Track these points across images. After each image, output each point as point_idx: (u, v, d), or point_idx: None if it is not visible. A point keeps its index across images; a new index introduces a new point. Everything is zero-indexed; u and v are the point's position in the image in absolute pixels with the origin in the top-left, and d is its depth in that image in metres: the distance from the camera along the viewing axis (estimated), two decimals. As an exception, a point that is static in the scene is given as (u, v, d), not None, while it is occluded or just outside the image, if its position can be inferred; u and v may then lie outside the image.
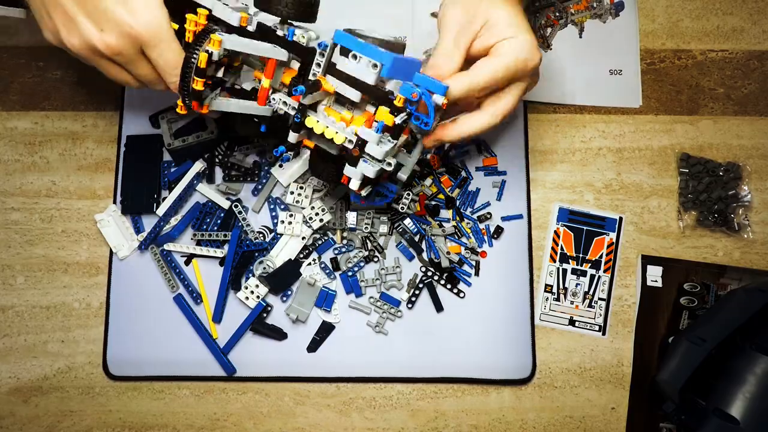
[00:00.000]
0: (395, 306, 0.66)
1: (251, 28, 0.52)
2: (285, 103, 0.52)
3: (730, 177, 0.69)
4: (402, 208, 0.67)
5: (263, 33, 0.52)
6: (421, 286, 0.66)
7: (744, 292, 0.63)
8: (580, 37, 0.73)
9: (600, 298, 0.67)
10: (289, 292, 0.67)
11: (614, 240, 0.69)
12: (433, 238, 0.67)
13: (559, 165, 0.71)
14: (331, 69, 0.51)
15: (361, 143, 0.49)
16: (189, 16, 0.48)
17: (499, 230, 0.68)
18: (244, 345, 0.66)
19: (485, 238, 0.68)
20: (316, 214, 0.67)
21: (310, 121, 0.51)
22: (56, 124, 0.73)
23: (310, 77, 0.52)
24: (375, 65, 0.48)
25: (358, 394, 0.66)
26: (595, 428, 0.65)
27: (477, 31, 0.53)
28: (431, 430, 0.65)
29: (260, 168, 0.69)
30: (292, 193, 0.68)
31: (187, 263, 0.68)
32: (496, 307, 0.66)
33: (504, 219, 0.68)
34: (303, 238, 0.67)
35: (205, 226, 0.68)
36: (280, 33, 0.52)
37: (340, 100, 0.53)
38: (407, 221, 0.68)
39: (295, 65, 0.54)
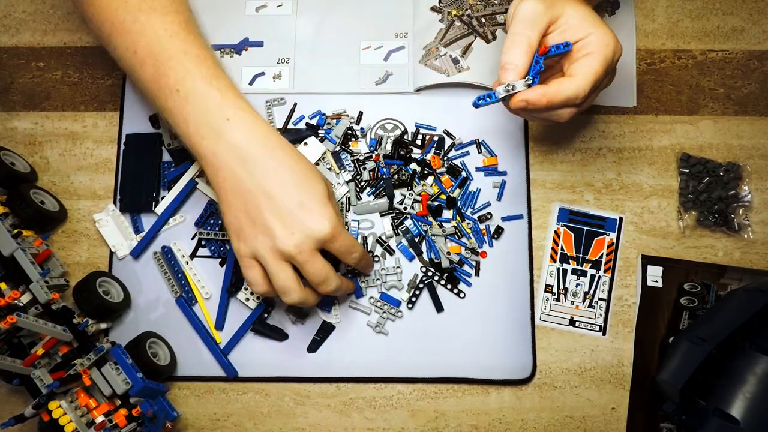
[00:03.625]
0: (395, 306, 0.66)
1: (55, 307, 0.60)
2: (41, 379, 0.58)
3: (730, 177, 0.69)
4: (405, 208, 0.68)
5: (61, 314, 0.60)
6: (421, 286, 0.66)
7: (744, 292, 0.63)
8: None
9: (600, 298, 0.67)
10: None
11: (614, 240, 0.69)
12: (433, 238, 0.67)
13: (559, 165, 0.71)
14: (99, 362, 0.59)
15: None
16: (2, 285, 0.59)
17: (499, 230, 0.68)
18: (244, 345, 0.66)
19: (485, 238, 0.68)
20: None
21: (57, 410, 0.57)
22: (56, 124, 0.73)
23: (76, 368, 0.58)
24: (128, 383, 0.58)
25: (358, 394, 0.66)
26: (595, 428, 0.65)
27: (553, 20, 0.54)
28: (431, 430, 0.65)
29: None
30: None
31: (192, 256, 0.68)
32: (496, 308, 0.66)
33: (504, 219, 0.68)
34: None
35: (208, 226, 0.68)
36: (75, 321, 0.60)
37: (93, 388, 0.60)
38: (408, 222, 0.68)
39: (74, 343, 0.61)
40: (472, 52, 0.71)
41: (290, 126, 0.71)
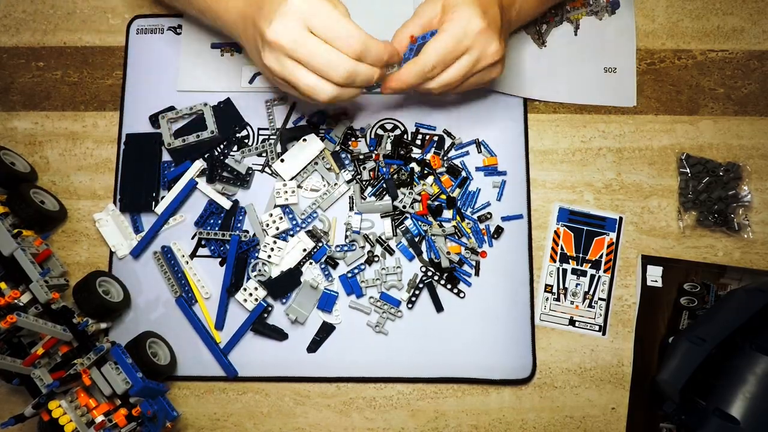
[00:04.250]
0: (395, 306, 0.66)
1: (55, 306, 0.60)
2: (41, 379, 0.58)
3: (730, 177, 0.69)
4: (404, 207, 0.68)
5: (61, 314, 0.60)
6: (421, 286, 0.66)
7: (744, 292, 0.63)
8: (575, 34, 0.73)
9: (600, 298, 0.67)
10: (290, 294, 0.67)
11: (614, 240, 0.69)
12: (433, 238, 0.67)
13: (559, 165, 0.71)
14: (99, 362, 0.59)
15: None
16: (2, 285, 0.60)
17: (499, 230, 0.68)
18: (244, 345, 0.66)
19: (485, 238, 0.68)
20: (285, 192, 0.67)
21: (57, 410, 0.57)
22: (56, 124, 0.73)
23: (76, 368, 0.58)
24: (127, 382, 0.58)
25: (358, 394, 0.66)
26: (595, 428, 0.65)
27: (434, 14, 0.58)
28: (431, 430, 0.65)
29: (251, 175, 0.69)
30: (278, 194, 0.68)
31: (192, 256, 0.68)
32: (496, 307, 0.66)
33: (504, 219, 0.68)
34: (304, 249, 0.67)
35: (208, 226, 0.68)
36: (75, 321, 0.60)
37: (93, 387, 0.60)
38: (408, 221, 0.68)
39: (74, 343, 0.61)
40: None
41: (290, 125, 0.71)
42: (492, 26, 0.57)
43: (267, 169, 0.70)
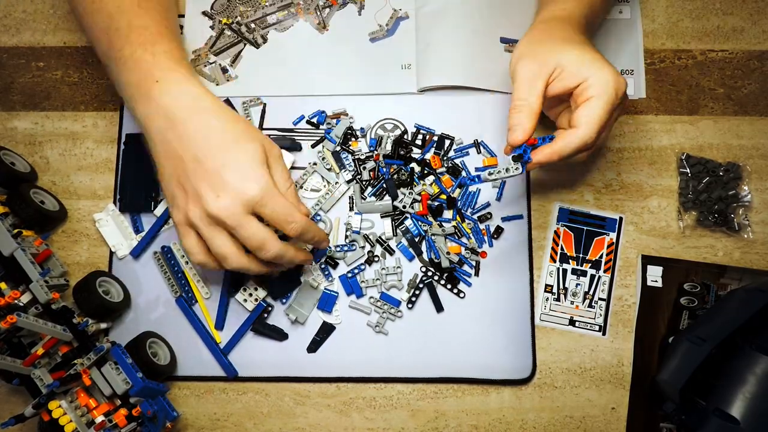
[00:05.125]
0: (395, 306, 0.66)
1: (55, 306, 0.60)
2: (41, 379, 0.57)
3: (730, 177, 0.69)
4: (404, 207, 0.68)
5: (61, 314, 0.60)
6: (421, 286, 0.66)
7: (744, 292, 0.63)
8: (359, 14, 0.73)
9: (600, 298, 0.67)
10: (290, 294, 0.67)
11: (614, 240, 0.69)
12: (433, 238, 0.67)
13: (559, 165, 0.71)
14: (99, 362, 0.59)
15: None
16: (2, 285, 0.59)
17: (499, 230, 0.68)
18: (244, 345, 0.66)
19: (485, 238, 0.68)
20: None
21: (57, 410, 0.57)
22: (56, 124, 0.73)
23: (76, 368, 0.58)
24: (128, 382, 0.58)
25: (358, 394, 0.66)
26: (595, 428, 0.65)
27: (550, 73, 0.55)
28: (431, 430, 0.65)
29: None
30: None
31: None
32: (496, 308, 0.66)
33: (504, 219, 0.68)
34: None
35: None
36: (75, 321, 0.60)
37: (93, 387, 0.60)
38: (408, 221, 0.68)
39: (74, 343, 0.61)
40: (241, 60, 0.72)
41: (280, 126, 0.71)
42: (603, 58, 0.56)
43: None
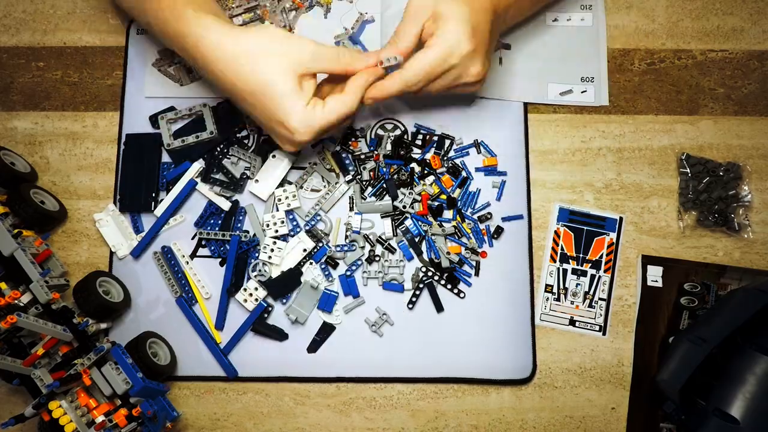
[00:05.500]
0: (399, 291, 0.66)
1: (55, 307, 0.60)
2: (41, 379, 0.58)
3: (730, 177, 0.69)
4: (404, 207, 0.68)
5: (61, 314, 0.60)
6: (421, 286, 0.66)
7: (744, 292, 0.63)
8: (325, 17, 0.74)
9: (600, 298, 0.67)
10: (290, 294, 0.67)
11: (614, 240, 0.69)
12: (433, 238, 0.67)
13: (559, 165, 0.71)
14: (99, 362, 0.59)
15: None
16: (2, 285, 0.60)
17: (499, 230, 0.68)
18: (244, 345, 0.66)
19: (485, 238, 0.68)
20: (286, 198, 0.67)
21: (57, 410, 0.57)
22: (56, 124, 0.73)
23: (77, 368, 0.58)
24: (128, 383, 0.58)
25: (358, 394, 0.66)
26: (595, 428, 0.65)
27: (426, 18, 0.58)
28: (431, 430, 0.65)
29: (245, 180, 0.69)
30: (279, 201, 0.68)
31: (192, 256, 0.68)
32: (496, 307, 0.66)
33: (504, 219, 0.68)
34: (304, 249, 0.67)
35: (208, 226, 0.68)
36: (75, 321, 0.60)
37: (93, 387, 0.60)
38: (408, 221, 0.68)
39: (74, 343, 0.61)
40: None
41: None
42: (479, 48, 0.58)
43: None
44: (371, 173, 0.69)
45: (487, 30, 0.59)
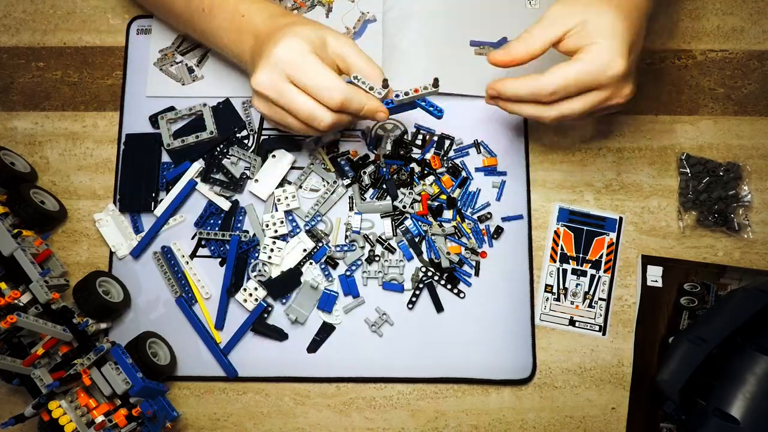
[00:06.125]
0: (399, 291, 0.66)
1: (55, 306, 0.60)
2: (41, 379, 0.58)
3: (730, 177, 0.69)
4: (404, 207, 0.68)
5: (61, 314, 0.60)
6: (421, 286, 0.66)
7: (744, 292, 0.63)
8: (327, 17, 0.74)
9: (600, 298, 0.67)
10: (290, 294, 0.67)
11: (614, 240, 0.69)
12: (433, 238, 0.67)
13: (559, 165, 0.71)
14: (99, 362, 0.59)
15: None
16: (2, 285, 0.60)
17: (499, 230, 0.68)
18: (244, 345, 0.66)
19: (485, 238, 0.68)
20: (286, 198, 0.67)
21: (57, 410, 0.57)
22: (56, 124, 0.73)
23: (76, 368, 0.58)
24: (127, 382, 0.58)
25: (358, 394, 0.66)
26: (595, 428, 0.65)
27: (570, 27, 0.52)
28: (431, 430, 0.65)
29: (245, 180, 0.69)
30: (279, 201, 0.68)
31: (192, 256, 0.68)
32: (496, 308, 0.66)
33: (504, 219, 0.68)
34: (304, 249, 0.67)
35: (208, 226, 0.68)
36: (75, 321, 0.60)
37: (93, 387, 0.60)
38: (408, 221, 0.68)
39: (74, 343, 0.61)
40: (207, 60, 0.73)
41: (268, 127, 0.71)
42: (634, 69, 0.53)
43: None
44: (371, 176, 0.69)
45: (640, 49, 0.53)
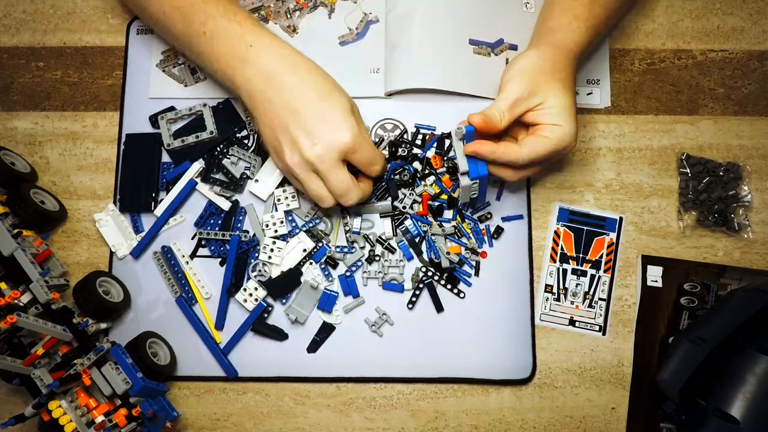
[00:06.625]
0: (399, 291, 0.66)
1: (55, 306, 0.60)
2: (41, 379, 0.57)
3: (730, 177, 0.69)
4: (404, 208, 0.68)
5: (61, 314, 0.60)
6: (421, 286, 0.66)
7: (744, 292, 0.63)
8: (329, 17, 0.73)
9: (600, 298, 0.67)
10: (290, 294, 0.67)
11: (614, 240, 0.69)
12: (433, 238, 0.67)
13: (559, 165, 0.71)
14: (99, 362, 0.59)
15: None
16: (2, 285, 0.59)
17: (499, 230, 0.68)
18: (244, 345, 0.66)
19: (485, 238, 0.68)
20: (286, 198, 0.67)
21: (57, 410, 0.57)
22: (56, 124, 0.73)
23: (76, 368, 0.58)
24: (127, 382, 0.58)
25: (358, 394, 0.66)
26: (595, 428, 0.65)
27: (531, 107, 0.59)
28: (431, 430, 0.65)
29: (245, 180, 0.69)
30: (279, 201, 0.68)
31: (192, 256, 0.68)
32: (496, 308, 0.66)
33: (504, 219, 0.68)
34: (304, 249, 0.67)
35: (208, 226, 0.68)
36: (75, 321, 0.60)
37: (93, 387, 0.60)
38: (408, 222, 0.68)
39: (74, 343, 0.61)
40: None
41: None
42: (577, 117, 0.60)
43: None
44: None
45: (574, 90, 0.61)
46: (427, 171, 0.69)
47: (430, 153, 0.70)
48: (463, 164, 0.59)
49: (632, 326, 0.67)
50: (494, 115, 0.58)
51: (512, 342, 0.66)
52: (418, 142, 0.70)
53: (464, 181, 0.60)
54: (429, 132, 0.71)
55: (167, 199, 0.68)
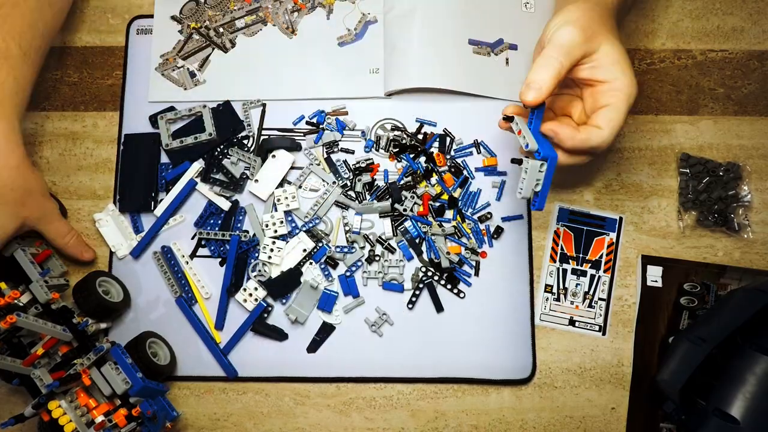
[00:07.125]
0: (399, 291, 0.66)
1: (54, 306, 0.60)
2: (40, 379, 0.57)
3: (730, 177, 0.69)
4: (404, 210, 0.68)
5: (61, 314, 0.60)
6: (421, 286, 0.66)
7: (744, 292, 0.63)
8: (328, 18, 0.73)
9: (600, 298, 0.67)
10: (290, 294, 0.67)
11: (614, 240, 0.69)
12: (433, 238, 0.67)
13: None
14: (99, 362, 0.60)
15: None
16: (2, 285, 0.59)
17: (499, 230, 0.68)
18: (244, 345, 0.66)
19: (485, 238, 0.68)
20: (286, 198, 0.67)
21: (56, 410, 0.57)
22: (56, 124, 0.73)
23: (76, 368, 0.58)
24: (127, 382, 0.58)
25: (358, 394, 0.66)
26: (595, 428, 0.65)
27: (589, 52, 0.54)
28: (431, 430, 0.65)
29: (245, 179, 0.69)
30: (279, 201, 0.68)
31: (192, 256, 0.68)
32: (496, 308, 0.66)
33: (504, 219, 0.68)
34: (304, 249, 0.67)
35: (208, 226, 0.68)
36: (75, 321, 0.60)
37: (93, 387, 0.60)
38: (407, 223, 0.68)
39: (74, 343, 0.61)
40: (209, 64, 0.72)
41: (276, 126, 0.71)
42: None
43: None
44: (365, 186, 0.68)
45: (622, 44, 0.56)
46: (430, 167, 0.69)
47: (434, 150, 0.70)
48: (531, 141, 0.53)
49: (632, 326, 0.67)
50: (551, 64, 0.51)
51: (512, 342, 0.66)
52: (420, 137, 0.70)
53: (529, 164, 0.53)
54: (430, 131, 0.71)
55: (167, 199, 0.68)
